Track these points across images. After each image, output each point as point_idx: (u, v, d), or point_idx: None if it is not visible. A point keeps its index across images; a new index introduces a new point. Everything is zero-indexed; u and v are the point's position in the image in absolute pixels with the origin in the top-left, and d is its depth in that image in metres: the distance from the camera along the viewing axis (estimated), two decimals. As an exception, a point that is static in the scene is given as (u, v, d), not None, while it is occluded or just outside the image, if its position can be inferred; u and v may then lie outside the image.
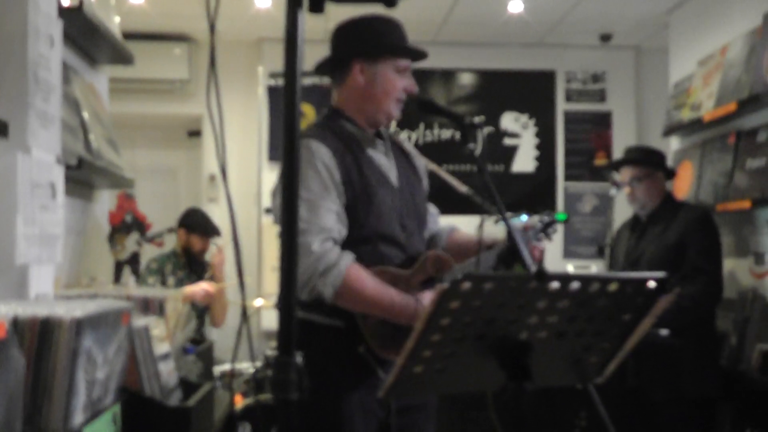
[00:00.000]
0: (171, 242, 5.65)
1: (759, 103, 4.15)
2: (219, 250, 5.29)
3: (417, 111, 2.59)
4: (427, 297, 2.31)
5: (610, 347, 1.70)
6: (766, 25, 4.20)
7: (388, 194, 2.53)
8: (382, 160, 2.61)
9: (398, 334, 2.35)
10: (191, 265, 5.41)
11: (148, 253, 6.13)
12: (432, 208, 2.82)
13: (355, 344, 2.40)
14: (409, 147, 2.81)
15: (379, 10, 1.88)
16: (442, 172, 2.74)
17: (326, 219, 2.38)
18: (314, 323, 2.45)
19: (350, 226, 2.48)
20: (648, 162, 4.25)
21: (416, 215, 2.63)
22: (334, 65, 2.62)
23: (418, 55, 2.60)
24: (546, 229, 2.53)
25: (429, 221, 2.77)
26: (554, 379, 1.77)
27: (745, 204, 4.19)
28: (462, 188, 2.66)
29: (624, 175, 4.29)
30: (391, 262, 2.48)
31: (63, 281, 2.85)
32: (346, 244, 2.47)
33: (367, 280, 2.37)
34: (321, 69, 2.68)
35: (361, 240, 2.48)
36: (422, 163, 2.79)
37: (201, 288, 4.91)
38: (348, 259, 2.36)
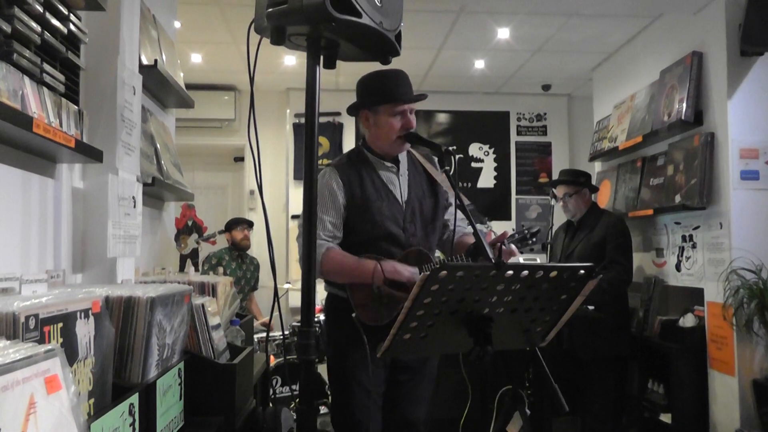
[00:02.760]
0: (222, 242, 5.69)
1: (658, 136, 4.17)
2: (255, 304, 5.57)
3: (408, 141, 2.56)
4: (388, 264, 2.36)
5: (551, 319, 1.70)
6: (661, 79, 4.22)
7: (385, 205, 2.51)
8: (392, 178, 2.57)
9: (374, 306, 2.41)
10: (241, 257, 5.59)
11: (205, 249, 6.18)
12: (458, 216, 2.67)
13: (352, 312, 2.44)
14: (437, 174, 2.65)
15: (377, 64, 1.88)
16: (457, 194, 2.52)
17: (319, 225, 2.43)
18: (338, 296, 2.50)
19: (353, 229, 2.50)
20: (576, 182, 4.26)
21: (422, 220, 2.56)
22: (354, 112, 2.61)
23: (412, 98, 2.52)
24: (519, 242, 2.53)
25: (450, 219, 2.70)
26: (509, 344, 1.77)
27: (649, 212, 4.20)
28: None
29: (559, 191, 4.30)
30: (392, 256, 2.47)
31: (141, 270, 2.84)
32: (356, 243, 2.49)
33: (337, 254, 2.44)
34: (349, 112, 2.64)
35: (364, 240, 2.49)
36: (444, 185, 2.64)
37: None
38: (325, 247, 2.43)
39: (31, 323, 1.11)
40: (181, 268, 6.17)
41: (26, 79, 1.68)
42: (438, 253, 2.81)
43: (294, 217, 6.22)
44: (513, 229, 2.45)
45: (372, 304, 2.40)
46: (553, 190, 4.45)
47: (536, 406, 4.14)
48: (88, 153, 1.95)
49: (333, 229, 2.49)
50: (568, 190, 4.24)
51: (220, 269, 5.32)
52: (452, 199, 2.70)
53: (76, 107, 2.00)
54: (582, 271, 1.56)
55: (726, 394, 3.56)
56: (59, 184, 2.09)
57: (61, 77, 1.89)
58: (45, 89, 1.78)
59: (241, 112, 6.39)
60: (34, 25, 1.71)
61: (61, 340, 1.19)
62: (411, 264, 2.46)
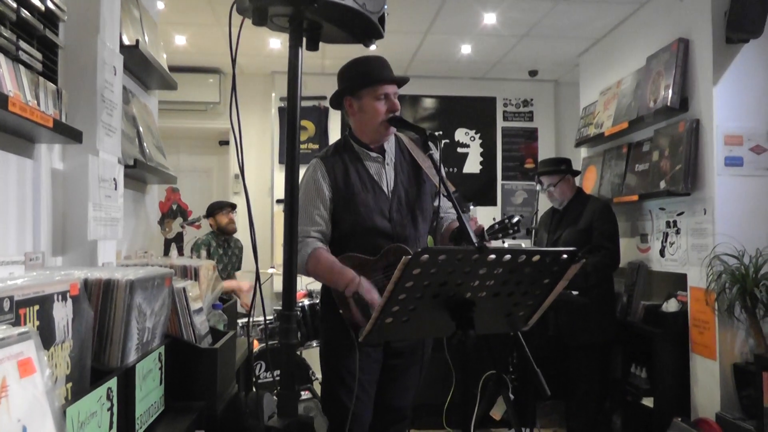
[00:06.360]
0: (206, 225, 5.66)
1: (643, 122, 4.18)
2: (249, 286, 5.41)
3: (393, 125, 2.53)
4: (364, 284, 2.34)
5: (534, 304, 1.70)
6: (647, 65, 4.22)
7: (370, 197, 2.48)
8: (378, 169, 2.54)
9: (355, 306, 2.40)
10: (227, 241, 5.58)
11: (190, 233, 6.13)
12: (444, 203, 2.64)
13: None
14: (423, 161, 2.56)
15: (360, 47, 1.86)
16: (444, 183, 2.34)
17: (306, 219, 2.44)
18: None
19: (339, 221, 2.49)
20: (558, 170, 4.27)
21: (408, 209, 2.53)
22: (337, 102, 2.57)
23: (394, 81, 2.48)
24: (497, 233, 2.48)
25: (441, 212, 2.64)
26: (492, 328, 1.76)
27: (634, 197, 4.22)
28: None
29: (543, 182, 4.31)
30: (378, 248, 2.45)
31: (123, 254, 2.81)
32: (342, 235, 2.48)
33: (320, 258, 2.41)
34: (332, 104, 2.61)
35: (350, 232, 2.48)
36: (429, 173, 2.56)
37: (239, 285, 5.25)
38: (311, 246, 2.42)
39: (6, 305, 1.09)
40: (166, 252, 6.12)
41: (1, 57, 1.64)
42: (429, 241, 2.79)
43: (279, 201, 6.19)
44: (494, 219, 2.43)
45: (353, 304, 2.40)
46: (540, 178, 4.45)
47: (520, 391, 4.17)
48: (67, 133, 1.92)
49: (321, 221, 2.47)
50: (552, 180, 4.24)
51: (203, 253, 5.30)
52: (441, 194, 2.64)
53: (54, 86, 1.96)
54: (564, 256, 1.56)
55: (707, 378, 3.60)
56: (38, 164, 2.05)
57: (39, 55, 1.85)
58: (21, 67, 1.74)
59: (225, 95, 6.32)
60: (9, 0, 1.67)
61: (37, 323, 1.17)
62: (392, 260, 2.44)
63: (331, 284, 2.44)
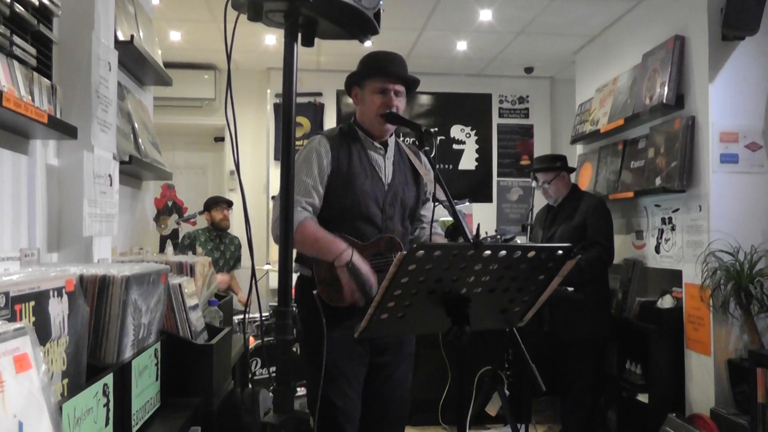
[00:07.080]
0: (202, 222, 5.66)
1: (639, 119, 4.18)
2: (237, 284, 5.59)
3: (388, 122, 2.54)
4: (356, 256, 2.32)
5: (529, 299, 1.70)
6: (644, 62, 4.23)
7: (368, 183, 2.47)
8: (378, 159, 2.55)
9: (337, 285, 2.37)
10: (219, 237, 5.55)
11: (185, 230, 6.13)
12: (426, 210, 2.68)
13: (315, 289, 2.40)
14: (419, 164, 2.63)
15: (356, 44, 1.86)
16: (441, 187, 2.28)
17: (299, 188, 2.40)
18: (308, 277, 2.45)
19: (333, 201, 2.45)
20: (553, 167, 4.27)
21: (401, 205, 2.54)
22: (349, 90, 2.62)
23: (393, 76, 2.48)
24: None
25: (426, 215, 2.66)
26: (487, 324, 1.77)
27: (629, 194, 4.23)
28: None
29: (539, 179, 4.31)
30: (365, 236, 2.45)
31: (119, 250, 2.81)
32: (331, 218, 2.44)
33: (311, 226, 2.37)
34: (346, 89, 2.63)
35: (341, 215, 2.45)
36: (428, 176, 2.62)
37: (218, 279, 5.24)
38: (300, 216, 2.36)
39: (1, 301, 1.09)
40: (161, 249, 6.13)
41: (-5, 53, 1.64)
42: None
43: (275, 197, 6.19)
44: (486, 233, 2.43)
45: (335, 283, 2.37)
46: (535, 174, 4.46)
47: (515, 387, 4.17)
48: (62, 129, 1.92)
49: (314, 194, 2.42)
50: (547, 177, 4.25)
51: (200, 250, 5.30)
52: (437, 193, 2.60)
53: (48, 82, 1.96)
54: (560, 252, 1.57)
55: (702, 374, 3.62)
56: (33, 160, 2.05)
57: (33, 50, 1.85)
58: (15, 62, 1.74)
59: (221, 92, 6.32)
60: (3, -4, 1.66)
61: (33, 318, 1.17)
62: (381, 249, 2.44)
63: (318, 254, 2.36)
